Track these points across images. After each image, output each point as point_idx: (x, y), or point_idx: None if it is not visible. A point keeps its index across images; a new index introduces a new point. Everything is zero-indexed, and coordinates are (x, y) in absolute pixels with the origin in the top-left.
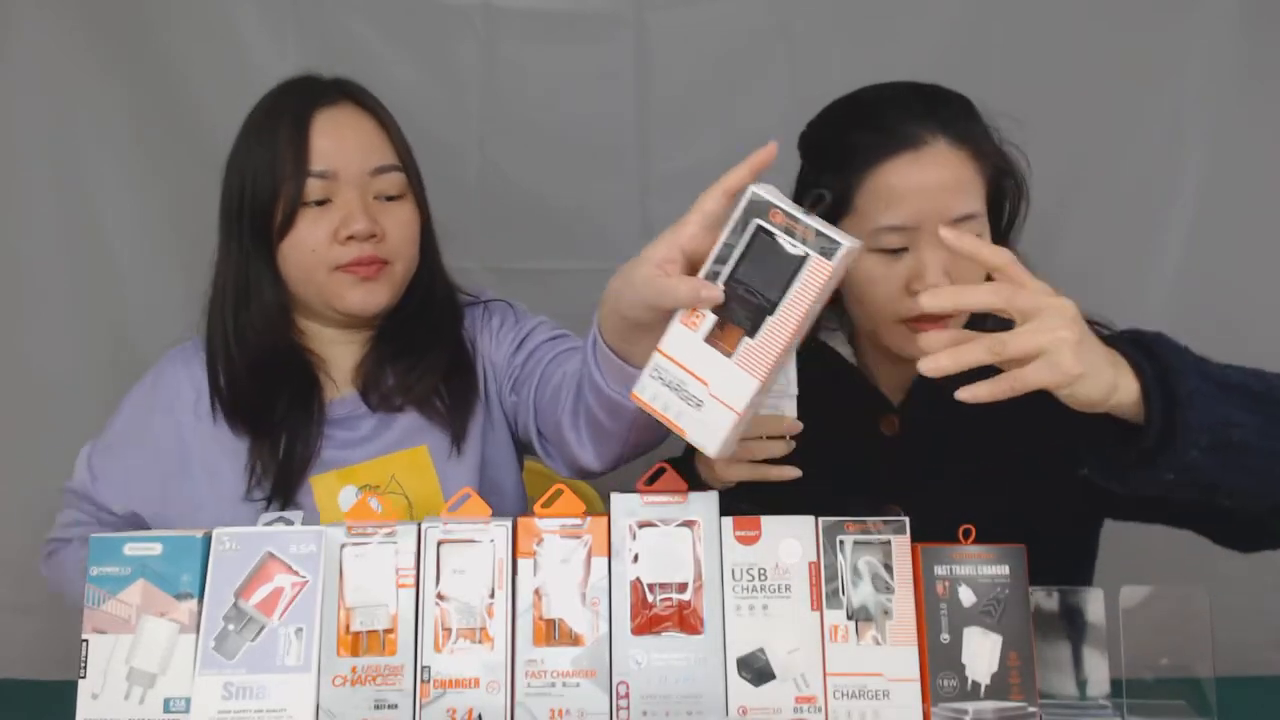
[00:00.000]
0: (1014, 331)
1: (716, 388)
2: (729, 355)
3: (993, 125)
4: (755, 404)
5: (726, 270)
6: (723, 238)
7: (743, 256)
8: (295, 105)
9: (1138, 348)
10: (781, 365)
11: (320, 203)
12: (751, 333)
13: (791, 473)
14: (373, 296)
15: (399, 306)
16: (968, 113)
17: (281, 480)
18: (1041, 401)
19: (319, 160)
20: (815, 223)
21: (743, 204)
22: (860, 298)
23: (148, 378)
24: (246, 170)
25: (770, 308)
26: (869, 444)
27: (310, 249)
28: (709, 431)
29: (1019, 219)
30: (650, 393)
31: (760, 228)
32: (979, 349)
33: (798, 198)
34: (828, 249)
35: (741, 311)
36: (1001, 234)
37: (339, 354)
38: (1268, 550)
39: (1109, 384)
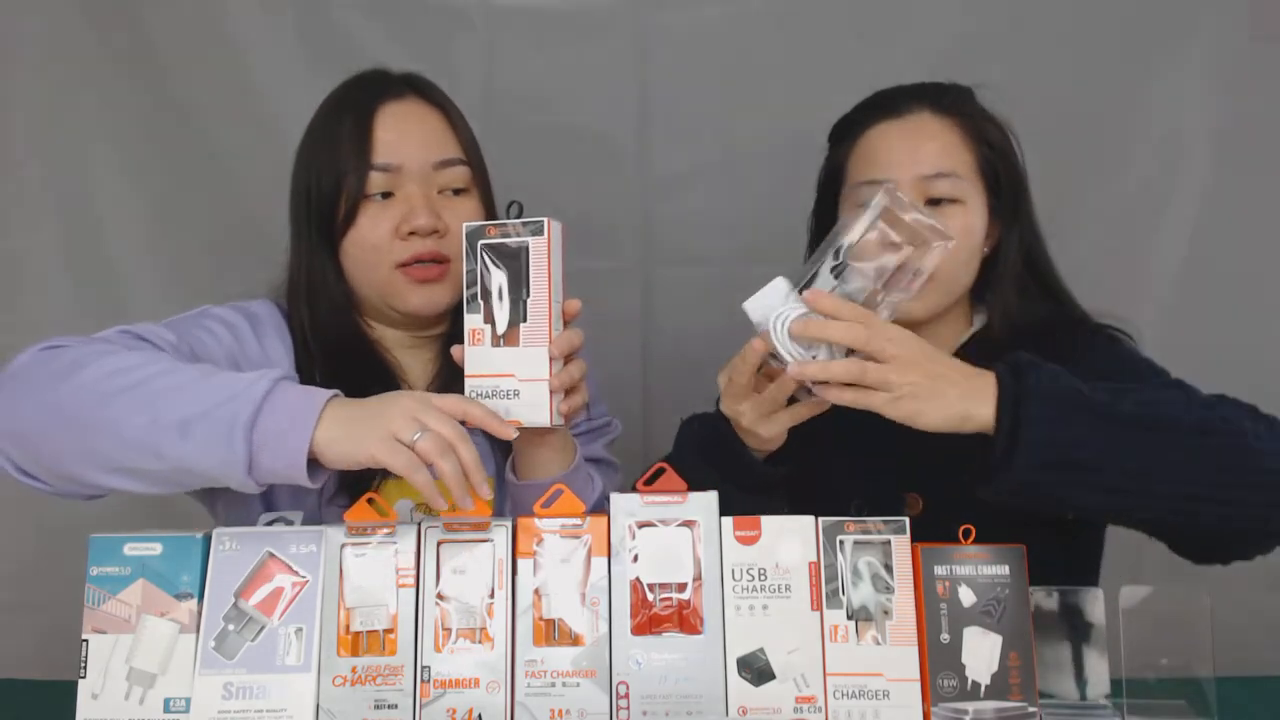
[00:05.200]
0: (874, 366)
1: (522, 373)
2: (517, 346)
3: (1000, 118)
4: (554, 369)
5: (478, 289)
6: (464, 269)
7: (484, 273)
8: (360, 99)
9: (1011, 373)
10: (555, 329)
11: (383, 196)
12: (524, 319)
13: (824, 403)
14: (433, 297)
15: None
16: (959, 95)
17: (350, 481)
18: None
19: (381, 153)
20: (519, 221)
21: (464, 238)
22: None
23: (239, 318)
24: (312, 165)
25: (525, 294)
26: (893, 428)
27: (373, 245)
28: (536, 408)
29: (1021, 200)
30: None
31: (484, 246)
32: (843, 368)
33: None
34: (537, 229)
35: (508, 311)
36: (1007, 217)
37: (411, 360)
38: (1217, 564)
39: (956, 416)
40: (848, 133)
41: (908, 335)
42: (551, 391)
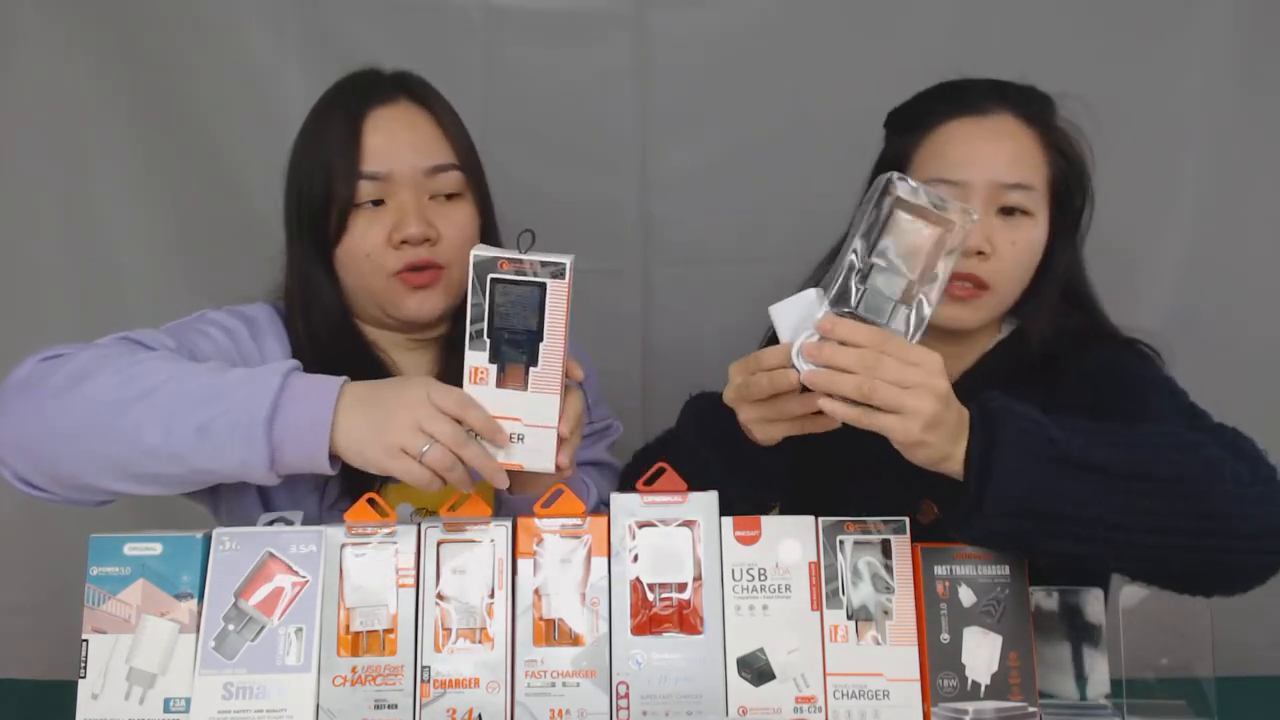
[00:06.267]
0: (886, 386)
1: (529, 417)
2: (524, 389)
3: (1073, 130)
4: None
5: (485, 324)
6: (470, 302)
7: (492, 308)
8: (350, 103)
9: (983, 417)
10: (565, 376)
11: (374, 203)
12: (534, 362)
13: (831, 422)
14: (427, 303)
15: (458, 312)
16: (1044, 104)
17: (350, 486)
18: (1076, 413)
19: (371, 161)
20: (536, 256)
21: (471, 267)
22: None
23: (237, 322)
24: (303, 170)
25: (537, 336)
26: None
27: (365, 254)
28: (541, 454)
29: (1084, 218)
30: None
31: (495, 280)
32: (849, 383)
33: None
34: (557, 271)
35: (514, 351)
36: (1064, 231)
37: (410, 362)
38: (1201, 596)
39: (944, 454)
40: (916, 123)
41: (930, 362)
42: (560, 439)
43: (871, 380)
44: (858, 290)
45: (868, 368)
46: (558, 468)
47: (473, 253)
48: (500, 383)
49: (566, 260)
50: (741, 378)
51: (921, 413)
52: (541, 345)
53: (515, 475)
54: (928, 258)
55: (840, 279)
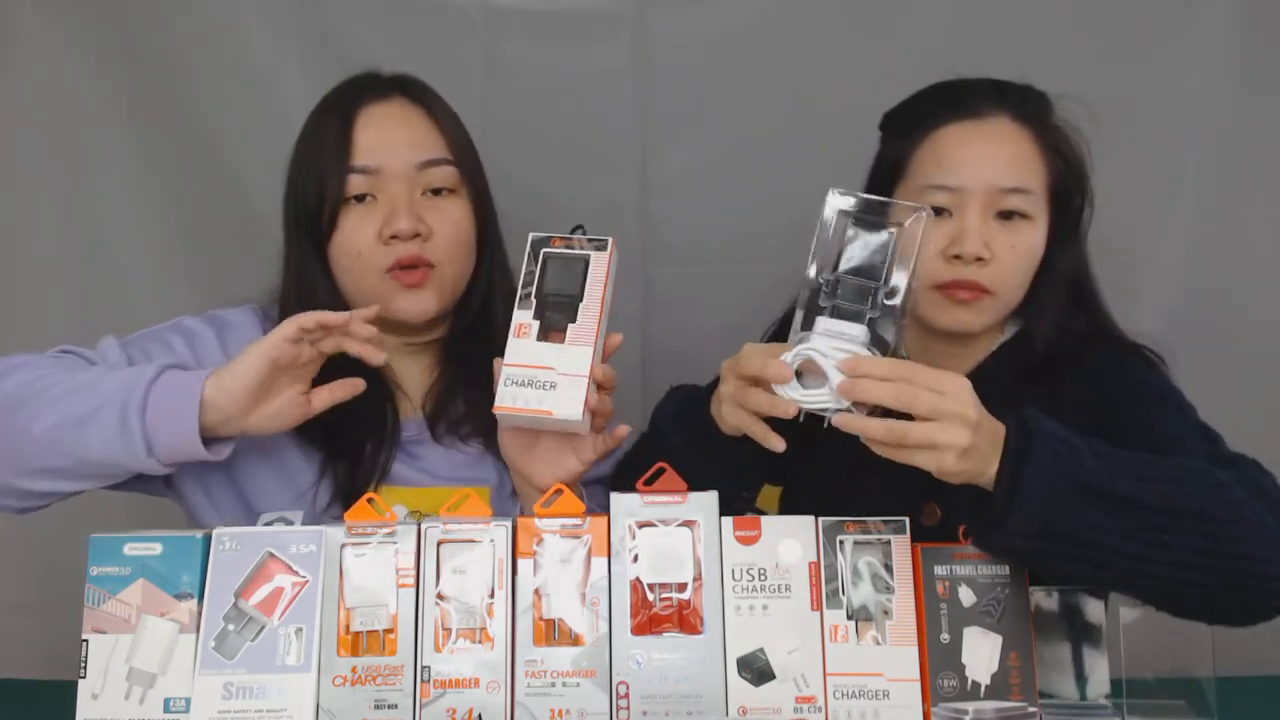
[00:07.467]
0: (916, 425)
1: (563, 367)
2: (561, 343)
3: (1070, 129)
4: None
5: (534, 289)
6: (523, 270)
7: (541, 275)
8: (344, 101)
9: (1020, 434)
10: (601, 337)
11: (364, 198)
12: (572, 319)
13: (776, 444)
14: (419, 304)
15: (458, 314)
16: (1041, 103)
17: (343, 489)
18: (1078, 414)
19: (361, 155)
20: (585, 236)
21: (529, 244)
22: None
23: (206, 328)
24: (298, 172)
25: (578, 298)
26: None
27: (356, 251)
28: (570, 401)
29: (1084, 219)
30: (509, 398)
31: (546, 253)
32: (881, 428)
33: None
34: (600, 246)
35: (557, 313)
36: (1065, 231)
37: (407, 366)
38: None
39: (979, 473)
40: (914, 126)
41: (960, 387)
42: (589, 387)
43: (904, 427)
44: (829, 308)
45: (904, 403)
46: (592, 413)
47: (530, 234)
48: (541, 337)
49: (610, 238)
50: (747, 351)
51: (955, 446)
52: (581, 305)
53: (529, 494)
54: (888, 261)
55: (808, 301)
